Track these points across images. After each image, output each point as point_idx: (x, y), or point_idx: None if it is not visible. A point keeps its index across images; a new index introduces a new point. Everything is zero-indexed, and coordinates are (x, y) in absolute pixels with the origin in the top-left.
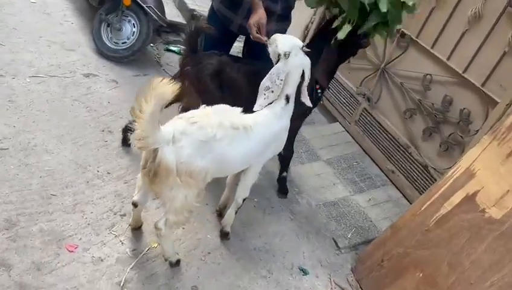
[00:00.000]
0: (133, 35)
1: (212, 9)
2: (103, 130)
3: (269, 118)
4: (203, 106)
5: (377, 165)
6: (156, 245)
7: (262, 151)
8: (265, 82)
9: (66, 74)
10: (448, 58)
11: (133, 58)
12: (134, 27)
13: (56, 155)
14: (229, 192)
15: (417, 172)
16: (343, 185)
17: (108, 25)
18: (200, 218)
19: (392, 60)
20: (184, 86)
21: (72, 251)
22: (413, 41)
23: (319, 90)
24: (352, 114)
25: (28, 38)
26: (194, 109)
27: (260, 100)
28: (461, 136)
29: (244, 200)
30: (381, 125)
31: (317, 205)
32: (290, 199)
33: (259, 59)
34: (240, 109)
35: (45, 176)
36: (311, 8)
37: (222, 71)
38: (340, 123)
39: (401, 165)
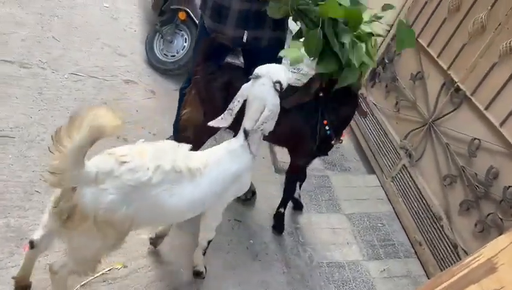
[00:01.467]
0: (182, 50)
1: (202, 28)
2: (118, 137)
3: (225, 158)
4: (141, 140)
5: (405, 232)
6: (120, 266)
7: (217, 195)
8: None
9: (106, 76)
10: (501, 124)
11: (178, 72)
12: (185, 42)
13: None
14: (167, 226)
15: (445, 250)
16: (358, 247)
17: (162, 37)
18: (179, 247)
19: (442, 116)
20: (190, 95)
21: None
22: (467, 99)
23: (327, 127)
24: (391, 169)
25: (84, 38)
26: (193, 121)
27: (217, 120)
28: (501, 219)
29: (209, 242)
30: (417, 187)
31: (319, 263)
32: (290, 249)
33: None
34: (188, 147)
35: (38, 171)
36: (274, 17)
37: (231, 85)
38: (377, 177)
39: (430, 238)
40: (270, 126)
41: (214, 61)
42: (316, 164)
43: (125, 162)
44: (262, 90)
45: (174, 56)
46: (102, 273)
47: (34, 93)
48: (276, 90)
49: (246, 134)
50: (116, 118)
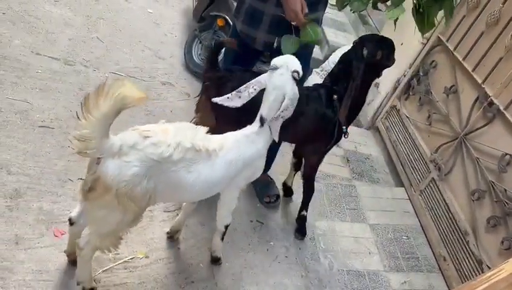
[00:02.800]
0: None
1: (234, 31)
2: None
3: (239, 142)
4: (163, 121)
5: (430, 246)
6: (142, 256)
7: (230, 178)
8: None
9: (144, 77)
10: None
11: None
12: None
13: None
14: (182, 217)
15: (470, 266)
16: (379, 257)
17: (200, 42)
18: (201, 242)
19: (474, 131)
20: (200, 101)
21: (57, 236)
22: (500, 113)
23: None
24: (419, 182)
25: (127, 41)
26: (205, 125)
27: (222, 97)
28: None
29: (227, 226)
30: (445, 201)
31: (340, 271)
32: (311, 254)
33: None
34: (205, 129)
35: (73, 161)
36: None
37: None
38: (405, 189)
39: (455, 253)
40: (289, 113)
41: (242, 64)
42: (344, 173)
43: (148, 136)
44: (282, 80)
45: None
46: (124, 261)
47: (75, 89)
48: (294, 79)
49: (262, 122)
50: (138, 93)
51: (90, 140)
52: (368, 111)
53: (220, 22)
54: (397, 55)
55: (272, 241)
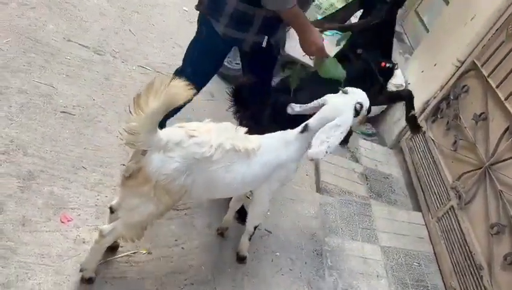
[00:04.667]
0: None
1: (212, 34)
2: None
3: (278, 145)
4: (208, 120)
5: (441, 276)
6: (145, 252)
7: (263, 178)
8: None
9: (170, 73)
10: None
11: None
12: None
13: (112, 137)
14: (230, 214)
15: None
16: (387, 281)
17: None
18: (205, 245)
19: (500, 162)
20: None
21: (63, 222)
22: None
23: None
24: (438, 209)
25: (158, 36)
26: None
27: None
28: None
29: (256, 227)
30: (462, 232)
31: None
32: (316, 270)
33: (263, 73)
34: (244, 129)
35: (89, 149)
36: None
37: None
38: (422, 215)
39: (466, 287)
40: (336, 142)
41: (210, 64)
42: (361, 190)
43: (193, 136)
44: (343, 103)
45: (238, 64)
46: (127, 255)
47: (101, 78)
48: (355, 109)
49: (305, 129)
50: (187, 92)
51: (138, 133)
52: (393, 130)
53: None
54: (429, 76)
55: (277, 252)
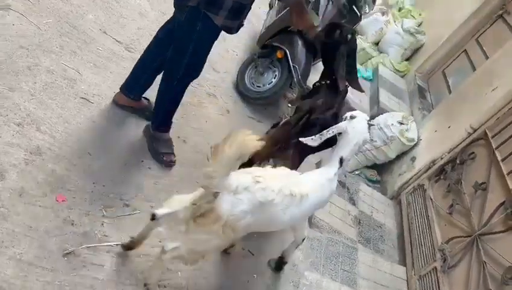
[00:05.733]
0: (269, 84)
1: (209, 27)
2: (179, 137)
3: (324, 185)
4: (269, 165)
5: None
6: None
7: (310, 214)
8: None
9: (193, 83)
10: None
11: (258, 103)
12: (274, 78)
13: (121, 131)
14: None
15: None
16: None
17: (255, 66)
18: None
19: (490, 233)
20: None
21: (57, 201)
22: None
23: None
24: (421, 267)
25: None
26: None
27: (307, 138)
28: None
29: (303, 239)
30: None
31: None
32: None
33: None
34: (298, 173)
35: (98, 137)
36: None
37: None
38: (406, 270)
39: None
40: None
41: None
42: (351, 233)
43: (259, 181)
44: (362, 127)
45: (259, 87)
46: (109, 245)
47: (126, 74)
48: (369, 126)
49: (342, 163)
50: (258, 145)
51: (214, 178)
52: (396, 181)
53: (279, 54)
54: (442, 136)
55: (255, 275)
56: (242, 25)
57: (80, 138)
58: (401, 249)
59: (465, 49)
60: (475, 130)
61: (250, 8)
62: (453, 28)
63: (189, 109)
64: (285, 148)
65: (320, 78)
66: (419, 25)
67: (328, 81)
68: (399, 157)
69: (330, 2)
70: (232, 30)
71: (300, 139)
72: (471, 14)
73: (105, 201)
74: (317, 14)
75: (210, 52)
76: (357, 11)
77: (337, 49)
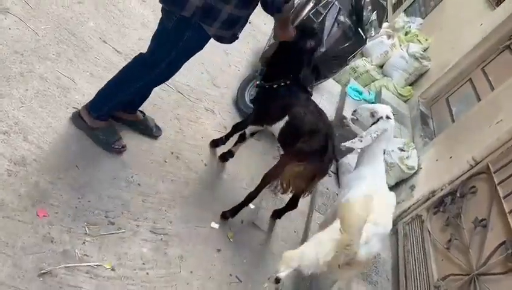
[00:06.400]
0: None
1: (200, 37)
2: (172, 152)
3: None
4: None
5: None
6: (108, 267)
7: None
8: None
9: (191, 97)
10: None
11: None
12: None
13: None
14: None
15: None
16: None
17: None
18: (170, 274)
19: (489, 274)
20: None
21: (38, 216)
22: None
23: None
24: None
25: (191, 59)
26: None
27: (349, 142)
28: None
29: None
30: None
31: None
32: None
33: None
34: (376, 183)
35: (88, 150)
36: None
37: None
38: None
39: None
40: None
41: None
42: None
43: (378, 223)
44: (393, 124)
45: None
46: (89, 265)
47: None
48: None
49: (384, 153)
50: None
51: (353, 247)
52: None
53: None
54: (443, 166)
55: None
56: (237, 37)
57: (68, 149)
58: (395, 281)
59: (471, 78)
60: (477, 163)
61: (247, 20)
62: (460, 55)
63: (185, 124)
64: (324, 171)
65: (275, 78)
66: (425, 50)
67: (288, 82)
68: (398, 184)
69: (336, 24)
70: (224, 40)
71: (344, 144)
72: (479, 43)
73: (89, 218)
74: (322, 35)
75: (211, 66)
76: (362, 33)
77: (305, 48)
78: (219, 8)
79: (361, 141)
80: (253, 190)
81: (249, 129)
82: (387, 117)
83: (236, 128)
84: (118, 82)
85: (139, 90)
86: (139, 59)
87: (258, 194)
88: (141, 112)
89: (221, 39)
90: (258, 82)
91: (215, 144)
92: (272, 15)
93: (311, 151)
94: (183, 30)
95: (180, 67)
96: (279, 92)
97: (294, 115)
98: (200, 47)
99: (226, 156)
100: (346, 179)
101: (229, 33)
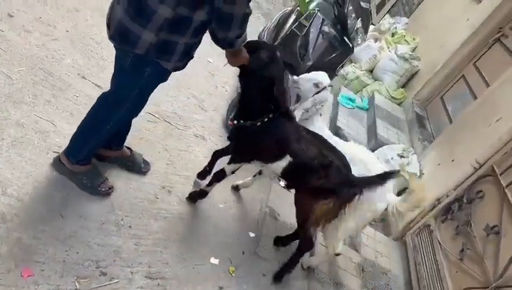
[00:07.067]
0: None
1: (159, 71)
2: (164, 187)
3: None
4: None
5: None
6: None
7: None
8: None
9: (179, 125)
10: None
11: None
12: None
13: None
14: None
15: None
16: None
17: None
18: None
19: (508, 287)
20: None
21: (23, 276)
22: None
23: None
24: None
25: (175, 84)
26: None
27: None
28: None
29: None
30: None
31: None
32: None
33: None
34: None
35: (72, 196)
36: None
37: None
38: None
39: None
40: None
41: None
42: (354, 284)
43: None
44: None
45: None
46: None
47: None
48: None
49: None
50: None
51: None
52: (399, 221)
53: None
54: (445, 171)
55: None
56: (192, 57)
57: (51, 198)
58: None
59: (463, 75)
60: (481, 165)
61: (200, 41)
62: (449, 52)
63: (175, 155)
64: (351, 197)
65: (253, 114)
66: (413, 50)
67: (270, 115)
68: (401, 193)
69: (320, 35)
70: (180, 68)
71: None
72: (467, 38)
73: (78, 271)
74: (307, 48)
75: (198, 90)
76: (349, 42)
77: (269, 72)
78: (175, 41)
79: (307, 111)
80: (301, 243)
81: (228, 168)
82: (330, 86)
83: (216, 156)
84: (88, 126)
85: (112, 129)
86: (103, 99)
87: (309, 245)
88: (128, 147)
89: (178, 69)
90: (234, 122)
91: (201, 176)
92: (223, 49)
93: (334, 186)
94: (142, 67)
95: (147, 100)
96: (265, 129)
97: (296, 153)
98: (163, 80)
99: (195, 197)
100: None
101: (186, 61)
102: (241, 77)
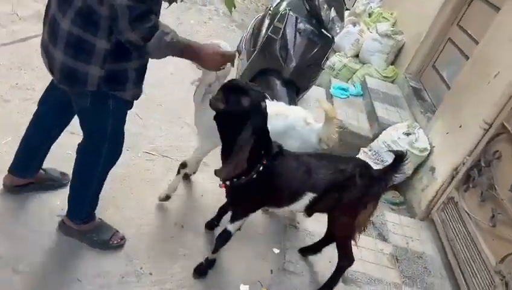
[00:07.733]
0: None
1: (121, 103)
2: (176, 223)
3: None
4: None
5: None
6: None
7: None
8: None
9: (178, 157)
10: None
11: None
12: None
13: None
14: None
15: None
16: None
17: None
18: None
19: None
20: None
21: None
22: None
23: None
24: None
25: (166, 116)
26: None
27: None
28: None
29: None
30: None
31: None
32: None
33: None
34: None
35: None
36: None
37: None
38: None
39: None
40: None
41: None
42: (392, 276)
43: None
44: None
45: None
46: None
47: None
48: None
49: None
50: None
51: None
52: (421, 199)
53: None
54: (455, 138)
55: None
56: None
57: (64, 263)
58: (451, 277)
59: (449, 38)
60: (490, 125)
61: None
62: (430, 18)
63: (181, 188)
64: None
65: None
66: (393, 26)
67: (264, 161)
68: (416, 170)
69: (298, 34)
70: (140, 95)
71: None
72: (445, 0)
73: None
74: (287, 49)
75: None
76: (327, 34)
77: (244, 121)
78: (123, 69)
79: (210, 86)
80: (341, 260)
81: (233, 227)
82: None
83: (222, 211)
84: (78, 183)
85: (102, 175)
86: (82, 151)
87: (350, 261)
88: (42, 169)
89: (137, 96)
90: (227, 183)
91: (210, 226)
92: (155, 58)
93: (367, 191)
94: (104, 102)
95: (124, 132)
96: (265, 176)
97: (317, 186)
98: (130, 107)
99: (205, 269)
100: None
101: (142, 86)
102: (216, 119)
